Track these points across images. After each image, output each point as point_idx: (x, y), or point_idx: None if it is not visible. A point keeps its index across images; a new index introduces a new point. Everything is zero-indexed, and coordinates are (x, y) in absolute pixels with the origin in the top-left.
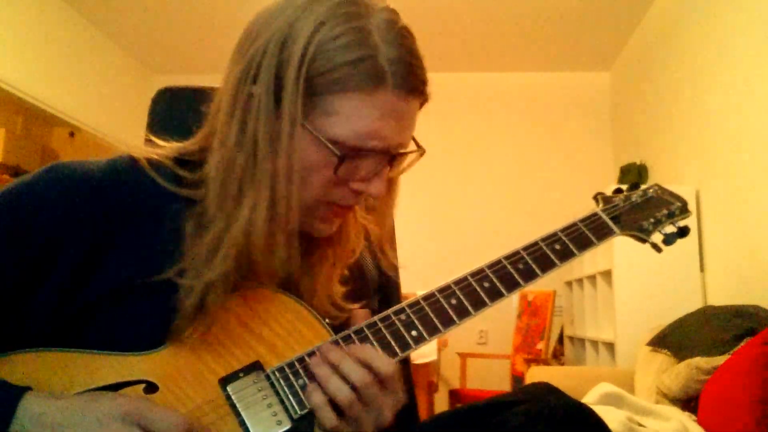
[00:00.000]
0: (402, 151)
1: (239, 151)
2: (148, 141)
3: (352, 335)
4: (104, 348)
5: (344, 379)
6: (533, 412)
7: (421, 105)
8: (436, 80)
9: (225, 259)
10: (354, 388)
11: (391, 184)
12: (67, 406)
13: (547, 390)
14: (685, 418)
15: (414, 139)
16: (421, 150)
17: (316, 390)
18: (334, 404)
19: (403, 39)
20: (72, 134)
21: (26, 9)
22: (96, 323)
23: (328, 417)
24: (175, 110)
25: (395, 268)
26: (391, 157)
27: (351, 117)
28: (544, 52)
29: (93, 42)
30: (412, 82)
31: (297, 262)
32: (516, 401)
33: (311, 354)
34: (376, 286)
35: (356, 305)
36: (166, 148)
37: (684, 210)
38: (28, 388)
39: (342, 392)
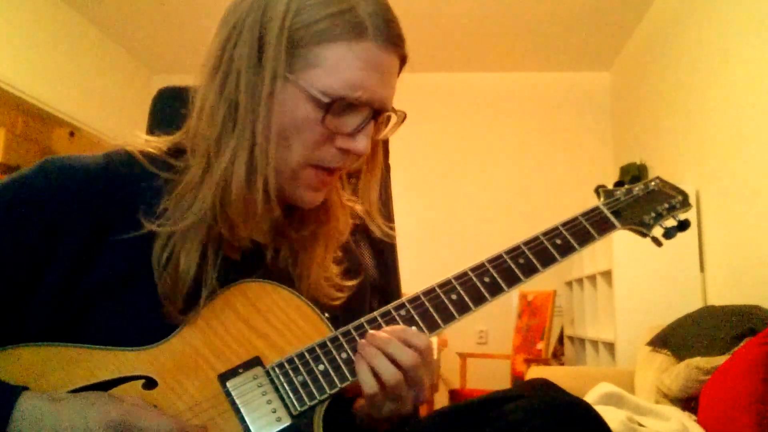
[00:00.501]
0: (386, 111)
1: (219, 106)
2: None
3: (352, 331)
4: (104, 342)
5: (392, 360)
6: (531, 405)
7: (401, 66)
8: (436, 80)
9: (201, 207)
10: (401, 368)
11: (373, 154)
12: (63, 410)
13: (545, 386)
14: (685, 418)
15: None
16: (402, 113)
17: (362, 360)
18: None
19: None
20: (72, 134)
21: (26, 9)
22: (95, 317)
23: (370, 385)
24: (176, 110)
25: (390, 236)
26: (375, 113)
27: (336, 67)
28: (544, 52)
29: (93, 42)
30: (391, 36)
31: (281, 232)
32: (514, 396)
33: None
34: (376, 281)
35: (353, 282)
36: (159, 141)
37: (685, 203)
38: (24, 388)
39: (388, 369)
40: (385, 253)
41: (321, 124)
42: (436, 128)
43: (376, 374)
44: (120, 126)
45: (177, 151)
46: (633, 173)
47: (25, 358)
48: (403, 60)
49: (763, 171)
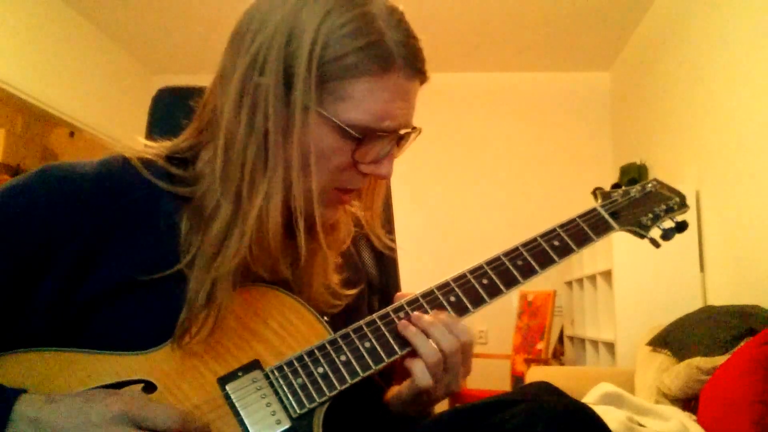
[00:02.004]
0: (408, 131)
1: (249, 142)
2: (143, 143)
3: (351, 334)
4: (102, 348)
5: (433, 341)
6: (533, 411)
7: (421, 84)
8: (436, 80)
9: (238, 249)
10: (441, 351)
11: None
12: (61, 409)
13: (546, 389)
14: (685, 418)
15: None
16: (418, 129)
17: (409, 326)
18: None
19: (404, 22)
20: (72, 134)
21: (26, 9)
22: (94, 323)
23: (420, 371)
24: (176, 110)
25: (391, 249)
26: (399, 137)
27: (364, 100)
28: (544, 52)
29: (93, 42)
30: (417, 64)
31: (303, 253)
32: (515, 401)
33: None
34: (376, 281)
35: (352, 291)
36: (158, 147)
37: (682, 205)
38: (22, 391)
39: (428, 350)
40: (386, 253)
41: (350, 155)
42: (436, 128)
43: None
44: (120, 126)
45: (179, 160)
46: (633, 173)
47: (22, 363)
48: (425, 80)
49: (763, 171)
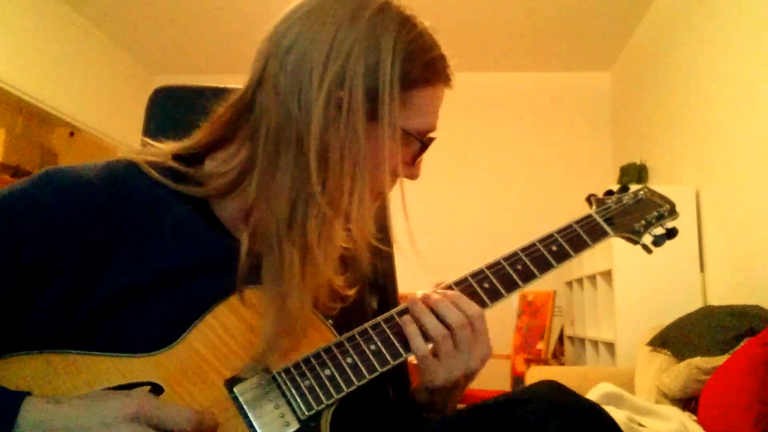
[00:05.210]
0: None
1: (338, 156)
2: (147, 144)
3: (357, 336)
4: (109, 350)
5: (439, 318)
6: (546, 408)
7: None
8: None
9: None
10: (448, 327)
11: None
12: (69, 411)
13: (557, 388)
14: (685, 418)
15: None
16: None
17: (410, 323)
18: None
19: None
20: (72, 134)
21: (26, 9)
22: (100, 327)
23: (419, 345)
24: (172, 109)
25: (386, 247)
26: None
27: (422, 109)
28: (544, 52)
29: (93, 42)
30: (450, 75)
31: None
32: (527, 399)
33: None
34: (373, 281)
35: (352, 291)
36: (163, 149)
37: (672, 212)
38: (27, 394)
39: (435, 326)
40: (382, 252)
41: (401, 160)
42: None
43: (425, 334)
44: (120, 126)
45: (187, 161)
46: (633, 173)
47: (27, 365)
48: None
49: (763, 171)
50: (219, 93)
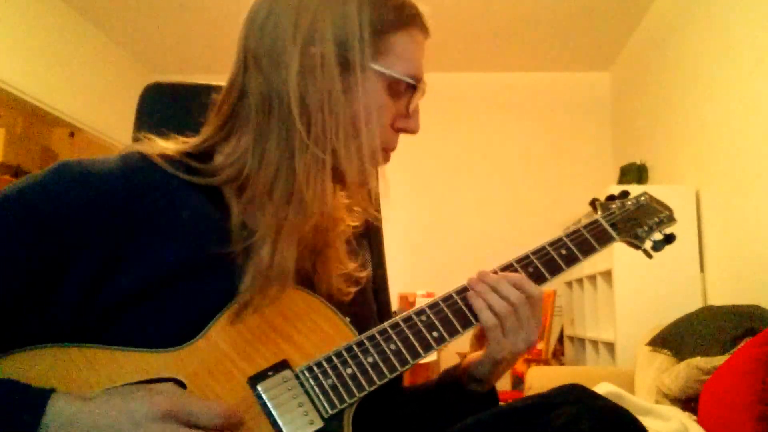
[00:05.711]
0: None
1: (318, 110)
2: (146, 139)
3: (377, 335)
4: (129, 344)
5: (502, 297)
6: (577, 410)
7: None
8: (436, 80)
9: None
10: (511, 304)
11: None
12: (98, 409)
13: (582, 391)
14: (685, 418)
15: None
16: (425, 83)
17: (476, 298)
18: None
19: None
20: (72, 134)
21: (26, 9)
22: (120, 321)
23: (487, 317)
24: (162, 106)
25: (376, 218)
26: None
27: (402, 54)
28: (544, 52)
29: (93, 42)
30: (425, 23)
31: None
32: (558, 402)
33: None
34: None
35: (365, 273)
36: (171, 147)
37: (670, 218)
38: (52, 390)
39: (500, 303)
40: (372, 240)
41: (395, 110)
42: (436, 128)
43: (491, 308)
44: (120, 126)
45: (197, 156)
46: (633, 173)
47: (46, 359)
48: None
49: (763, 171)
50: (209, 90)
